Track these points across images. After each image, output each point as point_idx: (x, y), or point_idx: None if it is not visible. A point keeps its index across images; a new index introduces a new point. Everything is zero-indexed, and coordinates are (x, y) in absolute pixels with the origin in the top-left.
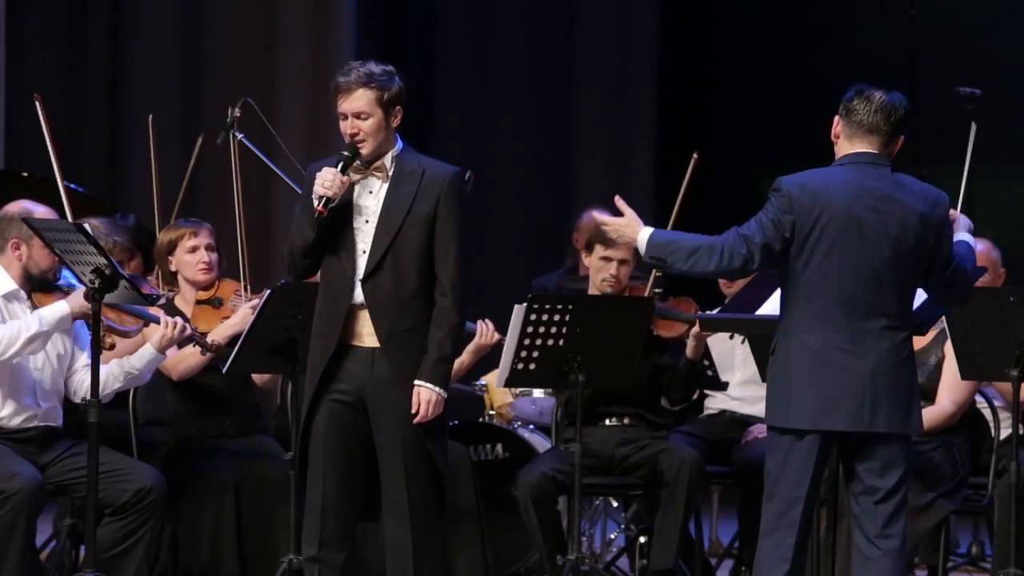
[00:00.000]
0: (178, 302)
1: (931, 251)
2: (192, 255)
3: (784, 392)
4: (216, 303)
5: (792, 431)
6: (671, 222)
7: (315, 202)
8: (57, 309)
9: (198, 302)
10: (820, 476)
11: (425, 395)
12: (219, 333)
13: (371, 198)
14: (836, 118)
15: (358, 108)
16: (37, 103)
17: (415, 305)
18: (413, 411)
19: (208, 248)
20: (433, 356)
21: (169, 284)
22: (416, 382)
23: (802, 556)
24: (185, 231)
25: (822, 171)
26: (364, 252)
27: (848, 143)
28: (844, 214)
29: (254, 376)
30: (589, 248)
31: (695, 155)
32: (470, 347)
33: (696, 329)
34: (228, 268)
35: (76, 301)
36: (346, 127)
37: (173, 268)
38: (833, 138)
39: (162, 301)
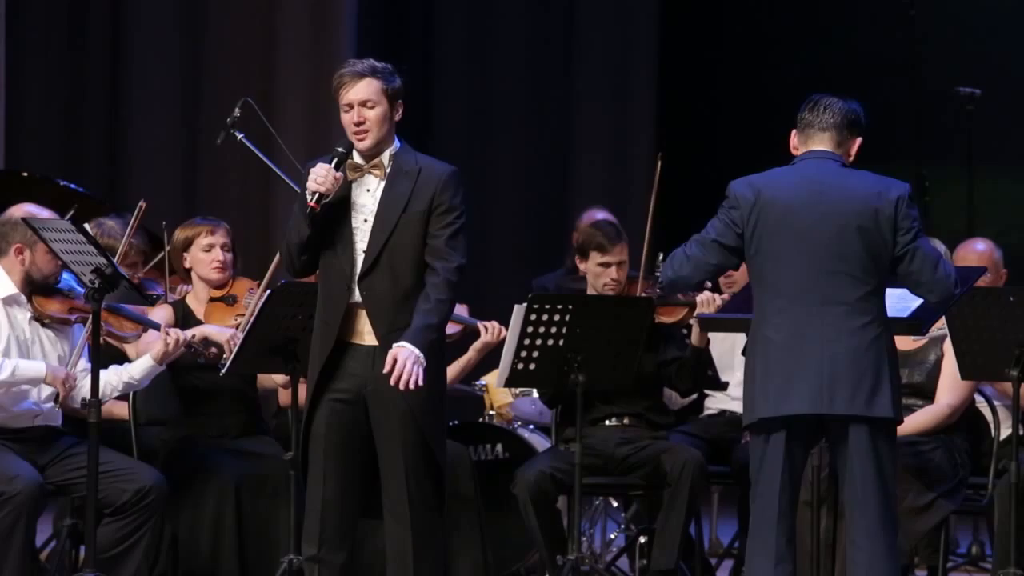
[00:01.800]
0: (191, 300)
1: (886, 239)
2: (207, 253)
3: (750, 388)
4: (230, 300)
5: (760, 425)
6: (647, 230)
7: (308, 197)
8: (33, 368)
9: (212, 299)
10: (795, 469)
11: (403, 353)
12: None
13: (368, 196)
14: (792, 132)
15: (365, 96)
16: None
17: (412, 303)
18: (386, 370)
19: (224, 247)
20: (417, 322)
21: (180, 280)
22: (395, 344)
23: (789, 552)
24: (202, 229)
25: (772, 170)
26: (362, 251)
27: (803, 147)
28: (783, 205)
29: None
30: (583, 254)
31: (660, 157)
32: (476, 345)
33: (700, 312)
34: (242, 268)
35: (53, 372)
36: (351, 117)
37: (187, 265)
38: (792, 151)
39: (165, 300)
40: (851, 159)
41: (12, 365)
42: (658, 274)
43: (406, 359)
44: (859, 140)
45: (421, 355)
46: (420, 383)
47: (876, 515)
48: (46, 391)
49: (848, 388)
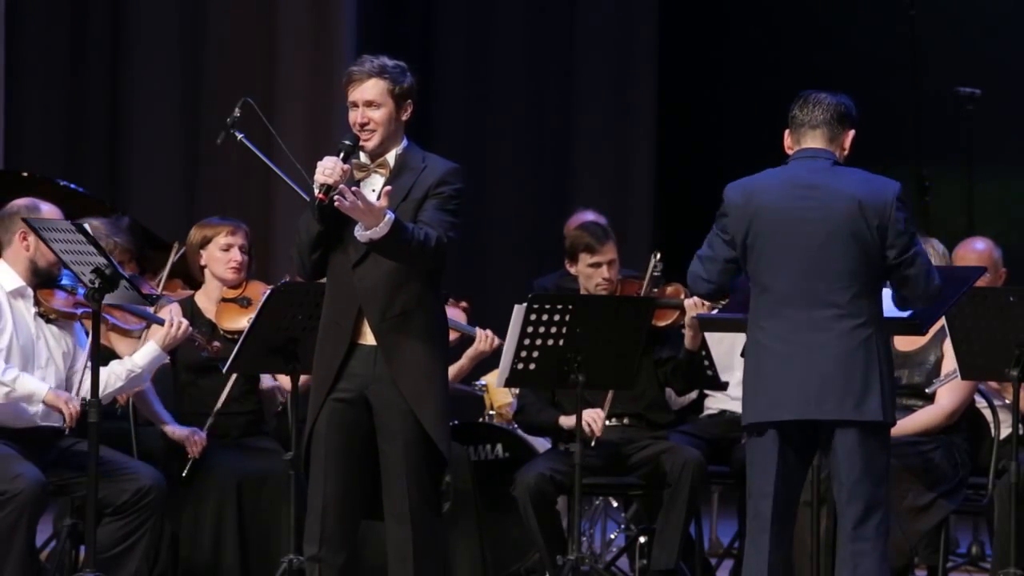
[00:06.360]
0: (200, 298)
1: (878, 238)
2: (225, 253)
3: (745, 391)
4: (244, 302)
5: (752, 428)
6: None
7: (315, 190)
8: (34, 384)
9: (224, 299)
10: (790, 474)
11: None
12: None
13: (374, 196)
14: (786, 132)
15: (369, 96)
16: None
17: (406, 289)
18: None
19: (241, 249)
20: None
21: (174, 284)
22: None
23: (780, 555)
24: (223, 228)
25: (765, 172)
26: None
27: (797, 146)
28: (773, 207)
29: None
30: (573, 257)
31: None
32: (469, 352)
33: (689, 316)
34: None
35: (55, 395)
36: (355, 116)
37: (203, 263)
38: (787, 150)
39: (162, 302)
40: (846, 152)
41: (14, 375)
42: (657, 273)
43: (370, 204)
44: (852, 132)
45: (391, 215)
46: (355, 202)
47: (862, 518)
48: (52, 385)
49: (837, 392)
